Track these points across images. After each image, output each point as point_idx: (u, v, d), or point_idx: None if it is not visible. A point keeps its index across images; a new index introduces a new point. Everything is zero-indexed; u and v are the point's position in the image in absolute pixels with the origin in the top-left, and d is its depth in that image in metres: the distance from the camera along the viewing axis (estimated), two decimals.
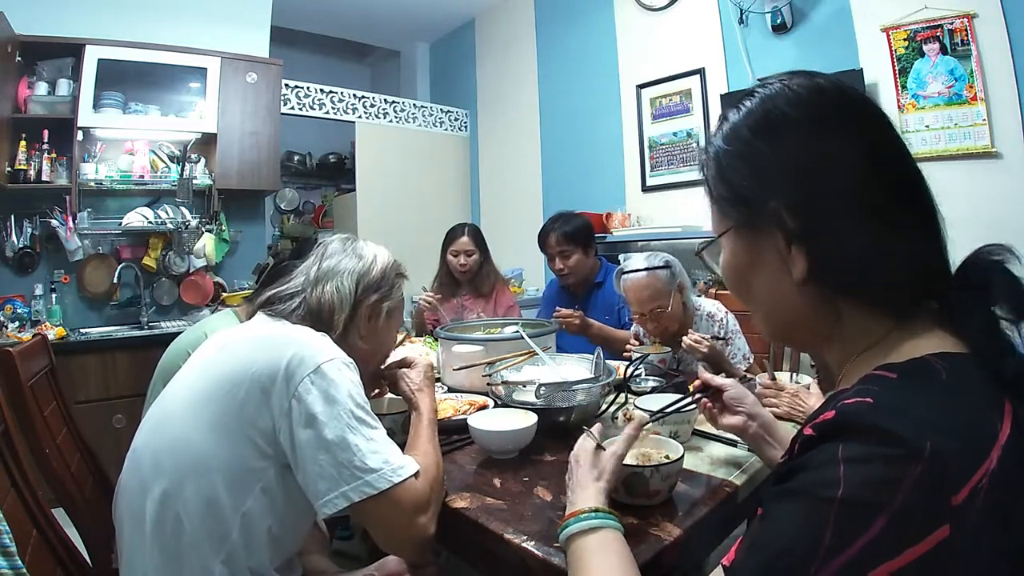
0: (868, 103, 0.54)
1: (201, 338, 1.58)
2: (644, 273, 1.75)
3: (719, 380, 1.01)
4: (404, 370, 1.15)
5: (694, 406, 1.11)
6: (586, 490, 0.76)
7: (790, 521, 0.45)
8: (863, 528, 0.41)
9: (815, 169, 0.51)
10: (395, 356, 1.19)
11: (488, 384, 1.34)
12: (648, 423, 0.96)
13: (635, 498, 0.86)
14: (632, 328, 2.02)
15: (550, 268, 2.42)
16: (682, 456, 0.89)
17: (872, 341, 0.53)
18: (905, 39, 2.47)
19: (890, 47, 2.51)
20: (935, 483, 0.41)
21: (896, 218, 0.50)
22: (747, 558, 0.47)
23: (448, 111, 4.64)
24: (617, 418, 1.22)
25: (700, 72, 3.19)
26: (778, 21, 2.84)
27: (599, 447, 0.82)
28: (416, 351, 1.42)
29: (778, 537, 0.45)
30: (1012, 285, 0.49)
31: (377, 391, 1.24)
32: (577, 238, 2.29)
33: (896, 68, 2.50)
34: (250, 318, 1.06)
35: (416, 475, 0.86)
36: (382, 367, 1.17)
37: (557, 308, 2.07)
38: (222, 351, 0.95)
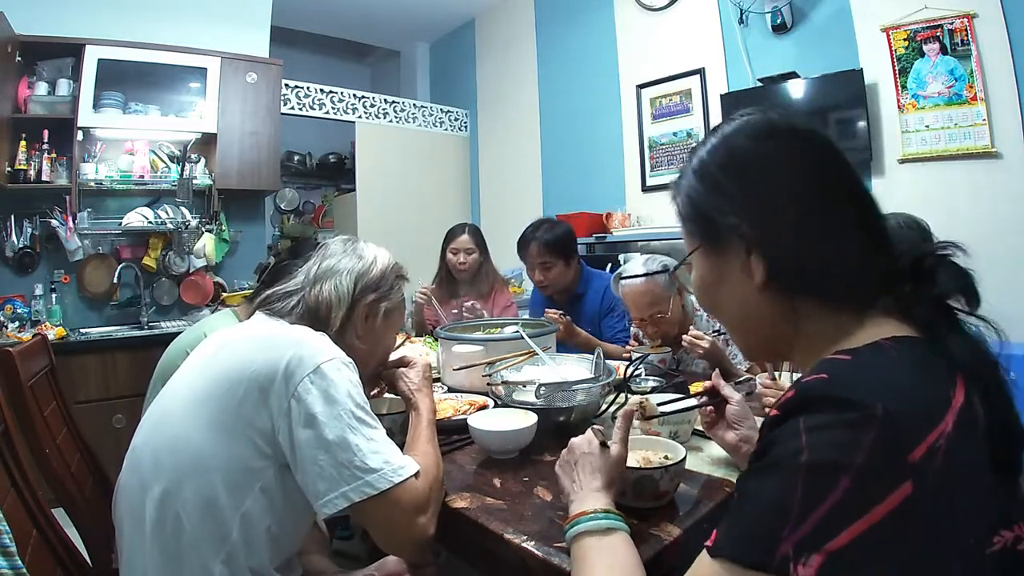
0: (813, 132, 0.62)
1: (200, 338, 1.58)
2: (642, 279, 1.74)
3: (728, 391, 1.01)
4: (403, 370, 1.15)
5: (694, 405, 1.12)
6: (595, 491, 0.75)
7: (762, 493, 0.49)
8: (829, 489, 0.44)
9: (767, 187, 0.59)
10: (394, 356, 1.19)
11: (488, 384, 1.34)
12: (635, 412, 0.95)
13: (643, 500, 0.86)
14: (632, 330, 2.02)
15: (529, 277, 2.34)
16: (685, 455, 0.89)
17: (832, 340, 0.57)
18: (905, 39, 2.47)
19: (890, 47, 2.51)
20: (891, 441, 0.45)
21: (840, 224, 0.57)
22: (726, 534, 0.50)
23: (448, 111, 4.64)
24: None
25: (700, 72, 3.19)
26: (778, 21, 2.84)
27: (604, 445, 0.81)
28: (416, 351, 1.41)
29: (753, 509, 0.49)
30: (958, 276, 0.55)
31: (376, 391, 1.23)
32: (559, 248, 2.20)
33: (896, 68, 2.50)
34: (249, 317, 1.06)
35: (416, 475, 0.86)
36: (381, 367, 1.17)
37: (547, 311, 2.04)
38: (221, 350, 0.94)
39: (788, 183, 0.58)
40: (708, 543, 0.51)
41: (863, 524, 0.43)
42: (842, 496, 0.44)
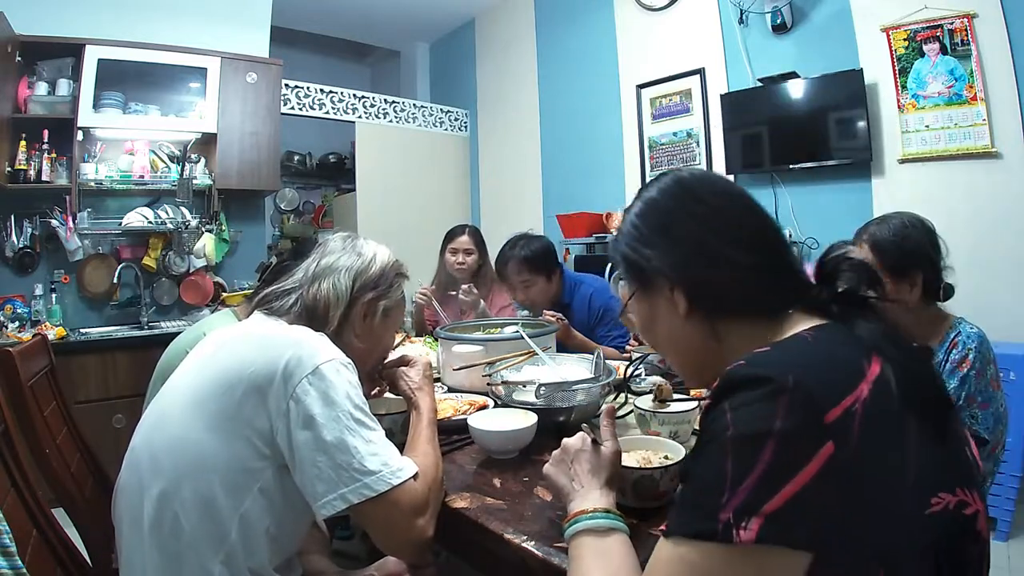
0: (716, 183, 0.73)
1: (200, 338, 1.58)
2: None
3: None
4: (403, 369, 1.15)
5: (694, 405, 1.13)
6: (597, 490, 0.75)
7: (700, 472, 0.53)
8: (757, 456, 0.49)
9: (678, 233, 0.69)
10: (394, 355, 1.19)
11: (488, 384, 1.34)
12: (618, 409, 0.96)
13: (643, 501, 0.85)
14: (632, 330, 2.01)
15: (512, 298, 2.26)
16: (685, 455, 0.89)
17: (757, 345, 0.61)
18: (905, 39, 2.47)
19: (890, 47, 2.51)
20: (805, 405, 0.49)
21: (741, 254, 0.66)
22: (675, 516, 0.54)
23: (448, 111, 4.64)
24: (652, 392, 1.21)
25: (700, 72, 3.19)
26: (778, 21, 2.84)
27: (596, 443, 0.81)
28: (416, 351, 1.41)
29: (693, 487, 0.54)
30: (859, 269, 0.64)
31: (376, 390, 1.23)
32: (538, 264, 2.09)
33: (896, 68, 2.50)
34: (248, 316, 1.05)
35: (415, 477, 0.86)
36: (380, 366, 1.16)
37: (544, 312, 2.00)
38: (219, 350, 0.94)
39: (695, 228, 0.69)
40: (663, 528, 0.55)
41: (794, 486, 0.47)
42: (770, 461, 0.48)
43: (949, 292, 1.33)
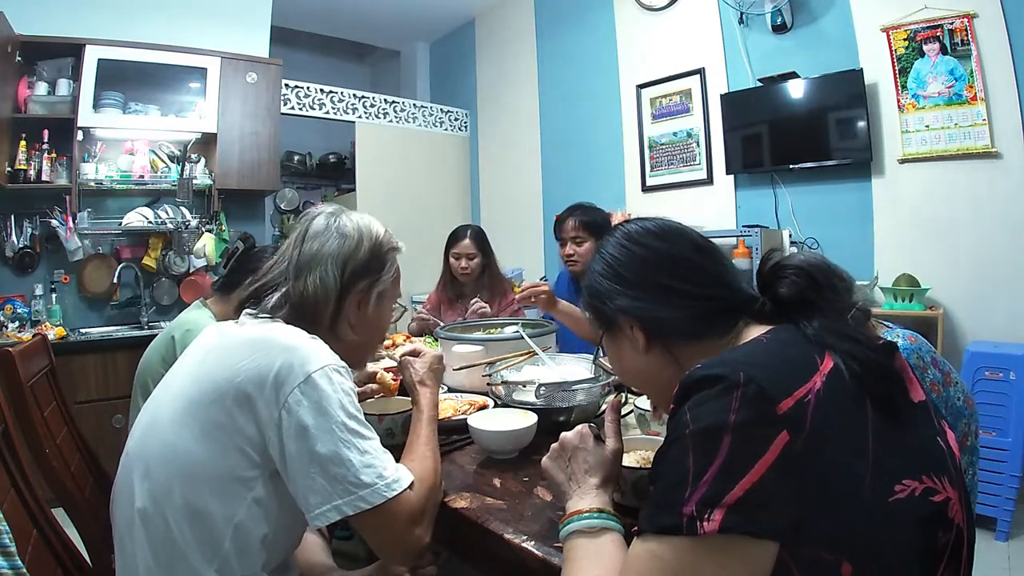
0: (661, 227, 0.79)
1: (169, 342, 1.58)
2: None
3: None
4: (409, 358, 1.13)
5: None
6: (592, 489, 0.75)
7: (664, 471, 0.56)
8: (716, 449, 0.51)
9: (631, 277, 0.76)
10: (401, 351, 1.18)
11: (488, 384, 1.34)
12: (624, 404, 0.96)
13: (643, 501, 0.85)
14: None
15: (560, 254, 2.38)
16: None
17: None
18: (905, 39, 2.47)
19: (890, 47, 2.51)
20: (757, 398, 0.52)
21: (688, 288, 0.72)
22: (644, 514, 0.56)
23: (448, 111, 4.64)
24: None
25: (700, 72, 3.19)
26: (778, 21, 2.84)
27: (598, 439, 0.81)
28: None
29: (659, 486, 0.56)
30: (797, 276, 0.68)
31: (381, 395, 1.23)
32: (593, 228, 2.28)
33: (896, 68, 2.50)
34: (236, 316, 0.99)
35: (411, 486, 0.84)
36: (389, 350, 1.15)
37: (524, 284, 2.07)
38: (210, 354, 0.91)
39: (643, 271, 0.76)
40: (635, 529, 0.56)
41: (753, 475, 0.49)
42: (728, 453, 0.50)
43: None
